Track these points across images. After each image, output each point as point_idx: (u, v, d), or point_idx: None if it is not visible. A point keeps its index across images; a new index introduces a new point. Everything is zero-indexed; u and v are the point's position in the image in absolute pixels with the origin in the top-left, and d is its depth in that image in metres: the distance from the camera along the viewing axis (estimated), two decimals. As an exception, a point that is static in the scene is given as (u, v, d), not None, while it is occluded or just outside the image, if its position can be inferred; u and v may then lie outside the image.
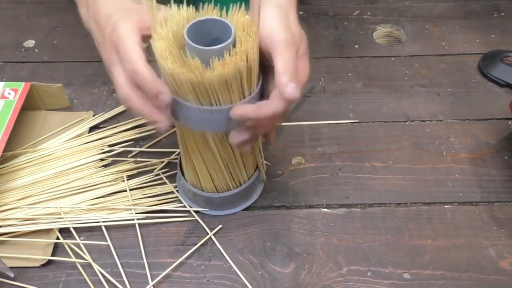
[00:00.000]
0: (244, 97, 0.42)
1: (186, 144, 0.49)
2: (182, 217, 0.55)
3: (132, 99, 0.41)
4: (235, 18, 0.42)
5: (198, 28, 0.41)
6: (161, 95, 0.40)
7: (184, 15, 0.42)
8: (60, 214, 0.55)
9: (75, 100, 0.70)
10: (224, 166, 0.50)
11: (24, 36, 0.81)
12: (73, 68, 0.75)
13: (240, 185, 0.54)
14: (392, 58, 0.76)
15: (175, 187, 0.58)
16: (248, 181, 0.55)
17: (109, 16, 0.43)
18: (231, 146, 0.48)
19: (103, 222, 0.55)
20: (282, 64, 0.40)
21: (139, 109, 0.42)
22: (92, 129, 0.65)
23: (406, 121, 0.67)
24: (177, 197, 0.57)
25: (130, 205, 0.56)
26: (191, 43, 0.39)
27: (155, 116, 0.42)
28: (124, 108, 0.68)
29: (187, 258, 0.53)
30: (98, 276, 0.51)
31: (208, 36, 0.42)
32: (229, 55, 0.39)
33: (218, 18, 0.41)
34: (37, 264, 0.52)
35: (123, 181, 0.58)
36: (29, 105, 0.65)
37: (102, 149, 0.62)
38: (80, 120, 0.66)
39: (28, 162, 0.60)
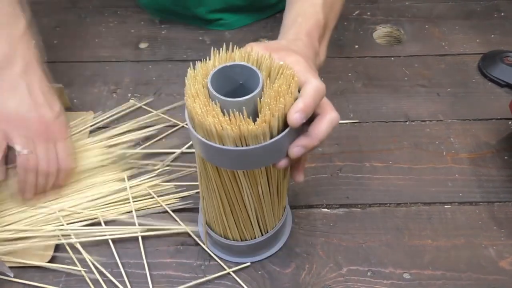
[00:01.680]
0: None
1: (215, 191, 0.44)
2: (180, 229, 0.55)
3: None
4: (265, 62, 0.39)
5: (225, 73, 0.39)
6: None
7: (215, 64, 0.40)
8: (59, 217, 0.55)
9: (75, 100, 0.70)
10: (252, 211, 0.46)
11: (24, 36, 0.81)
12: (73, 68, 0.75)
13: (266, 232, 0.50)
14: (392, 58, 0.76)
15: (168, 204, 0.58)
16: (274, 228, 0.51)
17: None
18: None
19: (109, 235, 0.54)
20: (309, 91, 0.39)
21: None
22: (92, 130, 0.65)
23: (406, 121, 0.67)
24: (177, 198, 0.58)
25: (129, 204, 0.56)
26: (214, 93, 0.37)
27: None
28: (124, 109, 0.68)
29: (187, 258, 0.53)
30: (98, 276, 0.51)
31: (234, 81, 0.40)
32: (260, 106, 0.37)
33: (246, 64, 0.39)
34: (38, 264, 0.52)
35: (124, 181, 0.58)
36: None
37: (102, 150, 0.61)
38: (80, 119, 0.66)
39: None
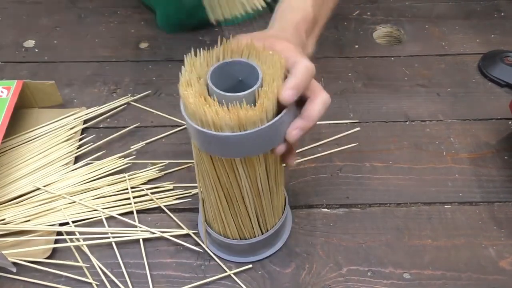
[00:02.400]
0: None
1: (213, 187, 0.44)
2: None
3: None
4: (263, 55, 0.40)
5: (224, 70, 0.39)
6: None
7: (215, 54, 0.40)
8: (61, 210, 0.55)
9: (75, 100, 0.70)
10: (251, 206, 0.46)
11: (24, 36, 0.81)
12: (73, 68, 0.75)
13: (267, 230, 0.50)
14: (392, 58, 0.76)
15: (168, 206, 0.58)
16: (274, 227, 0.50)
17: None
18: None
19: (113, 239, 0.54)
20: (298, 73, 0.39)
21: None
22: (86, 127, 0.66)
23: (406, 121, 0.67)
24: (177, 197, 0.58)
25: (130, 204, 0.56)
26: (214, 88, 0.37)
27: None
28: (118, 106, 0.68)
29: (187, 258, 0.53)
30: (99, 276, 0.51)
31: (233, 78, 0.40)
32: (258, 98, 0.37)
33: (245, 60, 0.39)
34: (38, 260, 0.52)
35: (124, 180, 0.59)
36: (22, 103, 0.65)
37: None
38: (73, 115, 0.66)
39: (25, 161, 0.60)
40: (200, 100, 0.37)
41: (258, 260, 0.52)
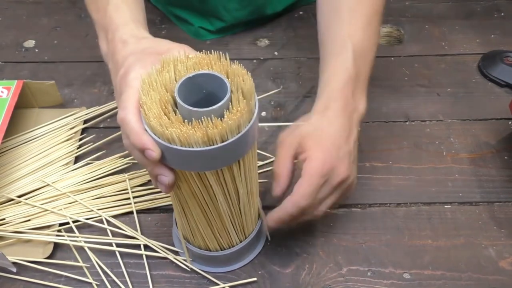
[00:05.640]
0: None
1: (186, 202, 0.43)
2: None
3: (130, 148, 0.38)
4: (228, 67, 0.39)
5: (191, 82, 0.38)
6: (147, 151, 0.36)
7: (190, 64, 0.39)
8: (62, 210, 0.55)
9: (75, 100, 0.70)
10: (230, 221, 0.46)
11: (24, 36, 0.81)
12: (73, 68, 0.75)
13: (241, 241, 0.50)
14: (392, 58, 0.76)
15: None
16: (250, 235, 0.51)
17: (126, 57, 0.41)
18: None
19: (114, 242, 0.54)
20: (303, 187, 0.45)
21: (139, 161, 0.38)
22: (86, 127, 0.66)
23: (406, 121, 0.67)
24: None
25: (130, 203, 0.56)
26: (182, 104, 0.36)
27: (155, 169, 0.38)
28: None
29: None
30: (99, 276, 0.51)
31: (202, 90, 0.39)
32: (228, 111, 0.36)
33: (211, 72, 0.38)
34: (38, 260, 0.52)
35: (124, 180, 0.59)
36: (22, 103, 0.65)
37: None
38: (73, 115, 0.66)
39: (25, 161, 0.60)
40: (163, 121, 0.36)
41: (234, 269, 0.52)
